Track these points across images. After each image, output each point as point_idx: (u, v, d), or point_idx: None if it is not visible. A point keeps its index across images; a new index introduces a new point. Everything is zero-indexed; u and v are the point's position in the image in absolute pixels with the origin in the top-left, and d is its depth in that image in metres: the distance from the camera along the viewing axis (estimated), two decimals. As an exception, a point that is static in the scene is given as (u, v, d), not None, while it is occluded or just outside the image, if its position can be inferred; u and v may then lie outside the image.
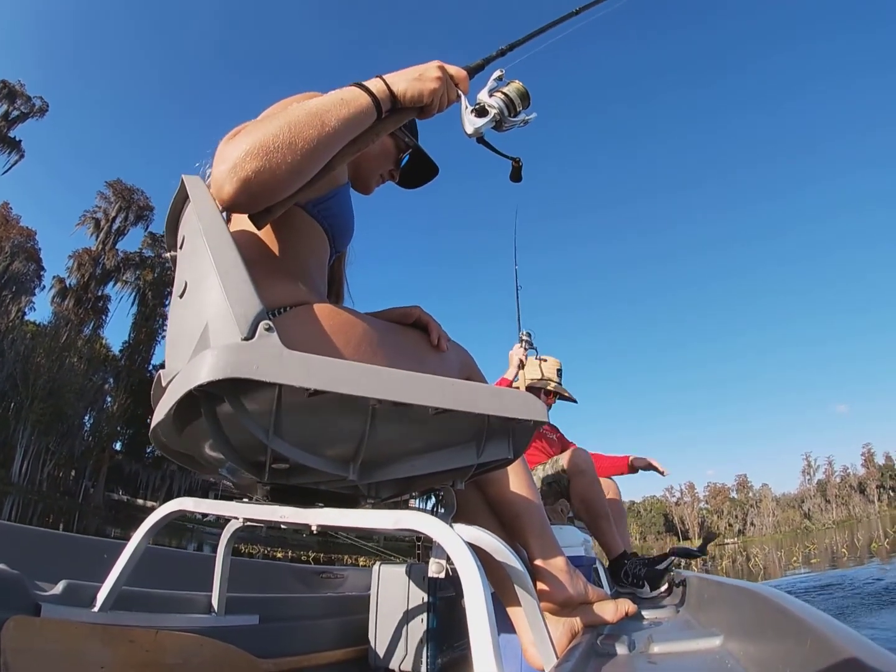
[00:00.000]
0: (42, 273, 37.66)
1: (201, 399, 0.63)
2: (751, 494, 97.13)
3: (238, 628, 1.13)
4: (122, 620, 0.91)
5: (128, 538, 0.93)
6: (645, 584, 2.08)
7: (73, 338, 35.63)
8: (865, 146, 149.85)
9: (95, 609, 0.89)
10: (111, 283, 40.53)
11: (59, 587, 0.89)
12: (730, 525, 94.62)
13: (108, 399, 38.25)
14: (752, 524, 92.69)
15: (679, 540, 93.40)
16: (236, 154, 0.72)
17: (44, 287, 37.78)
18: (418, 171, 1.28)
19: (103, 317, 39.81)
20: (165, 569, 1.27)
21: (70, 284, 38.26)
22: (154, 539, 0.95)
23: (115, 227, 40.26)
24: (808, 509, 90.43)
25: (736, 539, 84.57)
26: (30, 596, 0.82)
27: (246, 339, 0.62)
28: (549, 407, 2.85)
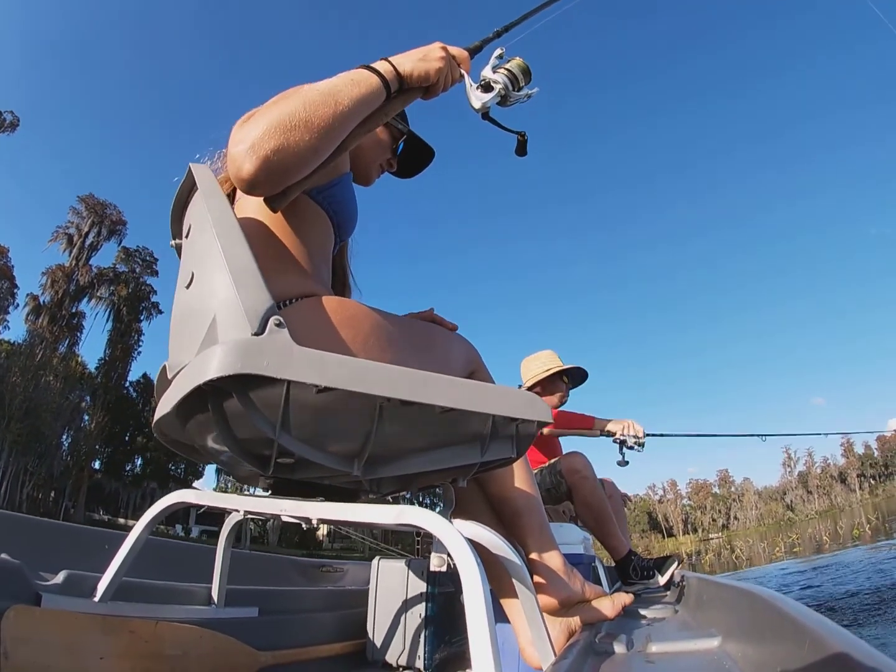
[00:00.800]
0: (15, 291, 36.58)
1: (209, 393, 0.63)
2: (733, 489, 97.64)
3: (237, 620, 1.13)
4: (123, 611, 0.91)
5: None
6: (655, 572, 2.10)
7: (49, 356, 34.96)
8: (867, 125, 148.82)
9: (96, 599, 0.89)
10: (85, 300, 39.82)
11: (59, 577, 0.89)
12: (713, 520, 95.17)
13: (86, 417, 37.71)
14: (735, 518, 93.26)
15: (664, 537, 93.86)
16: (254, 133, 0.72)
17: (17, 305, 36.85)
18: (414, 157, 1.29)
19: (78, 334, 39.01)
20: (166, 560, 1.27)
21: (44, 302, 37.45)
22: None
23: (87, 242, 39.48)
24: (791, 501, 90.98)
25: (720, 534, 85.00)
26: (31, 586, 0.82)
27: (256, 334, 0.61)
28: (567, 391, 2.85)
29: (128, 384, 41.93)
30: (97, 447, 38.35)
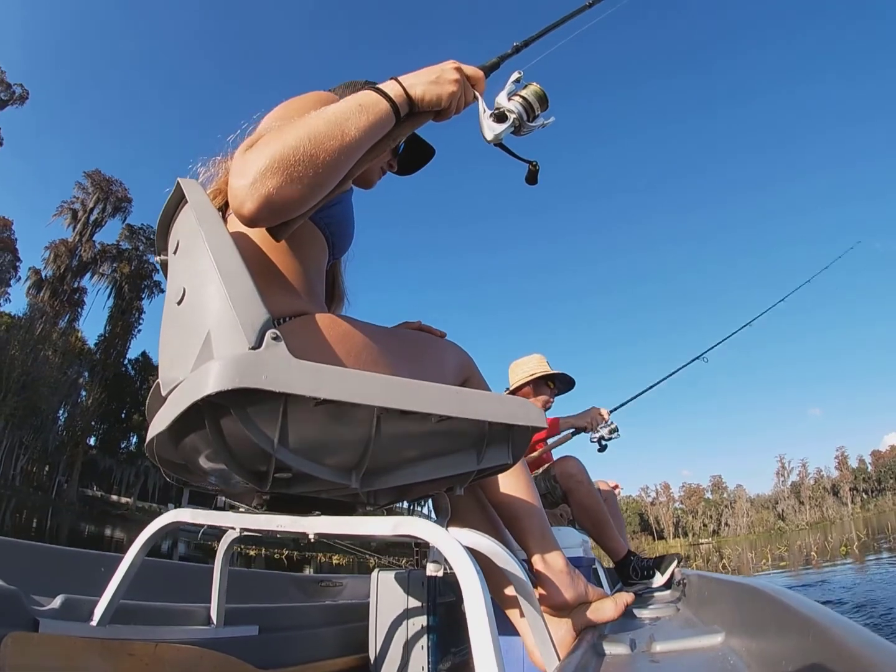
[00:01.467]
0: (18, 264, 36.71)
1: (205, 409, 0.62)
2: (725, 495, 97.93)
3: (237, 639, 1.12)
4: (121, 634, 0.90)
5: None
6: (655, 572, 2.10)
7: (48, 330, 34.94)
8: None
9: (94, 623, 0.88)
10: (88, 276, 39.72)
11: (56, 602, 0.88)
12: (704, 525, 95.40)
13: (83, 393, 37.59)
14: (726, 524, 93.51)
15: (654, 539, 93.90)
16: (256, 168, 0.69)
17: (19, 278, 36.88)
18: (415, 155, 1.25)
19: (79, 309, 39.03)
20: (163, 581, 1.26)
21: (46, 276, 37.39)
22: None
23: (92, 218, 39.40)
24: (782, 510, 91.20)
25: (710, 539, 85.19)
26: (27, 611, 0.81)
27: (253, 348, 0.61)
28: (553, 396, 2.83)
29: (126, 362, 42.15)
30: (93, 423, 38.36)
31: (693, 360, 3.30)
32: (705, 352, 3.32)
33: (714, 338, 3.43)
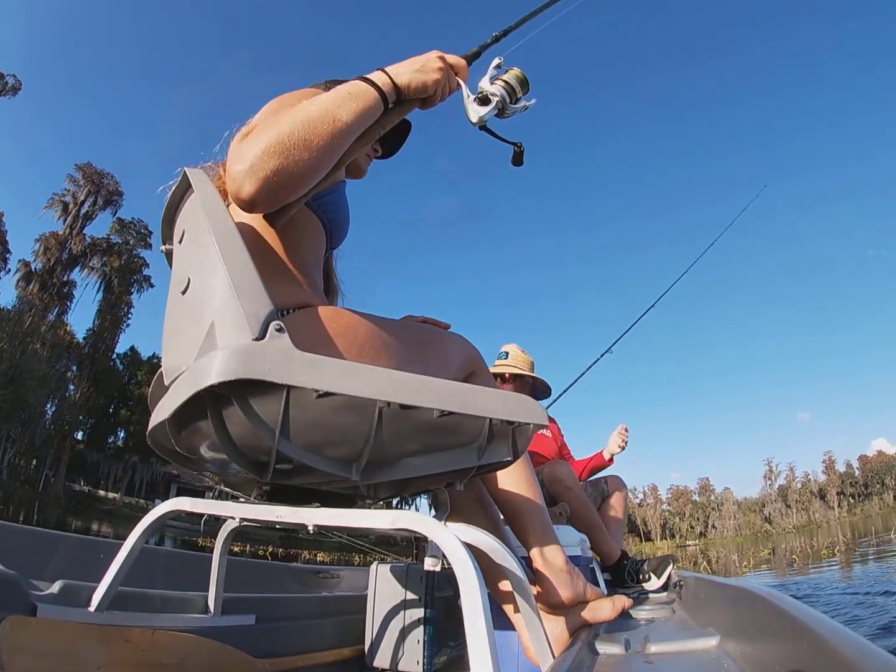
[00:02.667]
0: (8, 256, 35.94)
1: (207, 399, 0.62)
2: (713, 497, 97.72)
3: (234, 628, 1.13)
4: (119, 620, 0.91)
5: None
6: (651, 575, 2.09)
7: (37, 323, 34.70)
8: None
9: (92, 609, 0.88)
10: (77, 269, 39.32)
11: (55, 587, 0.88)
12: (691, 527, 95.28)
13: (71, 387, 37.37)
14: (713, 527, 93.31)
15: (641, 541, 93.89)
16: (253, 153, 0.72)
17: (9, 270, 36.21)
18: (394, 135, 1.25)
19: (68, 303, 38.59)
20: (162, 569, 1.26)
21: (35, 268, 37.02)
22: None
23: (83, 211, 39.08)
24: (769, 514, 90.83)
25: (697, 541, 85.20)
26: (26, 596, 0.82)
27: (257, 339, 0.61)
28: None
29: (115, 356, 41.66)
30: (81, 417, 37.94)
31: (600, 357, 3.29)
32: (611, 345, 3.32)
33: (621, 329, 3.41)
